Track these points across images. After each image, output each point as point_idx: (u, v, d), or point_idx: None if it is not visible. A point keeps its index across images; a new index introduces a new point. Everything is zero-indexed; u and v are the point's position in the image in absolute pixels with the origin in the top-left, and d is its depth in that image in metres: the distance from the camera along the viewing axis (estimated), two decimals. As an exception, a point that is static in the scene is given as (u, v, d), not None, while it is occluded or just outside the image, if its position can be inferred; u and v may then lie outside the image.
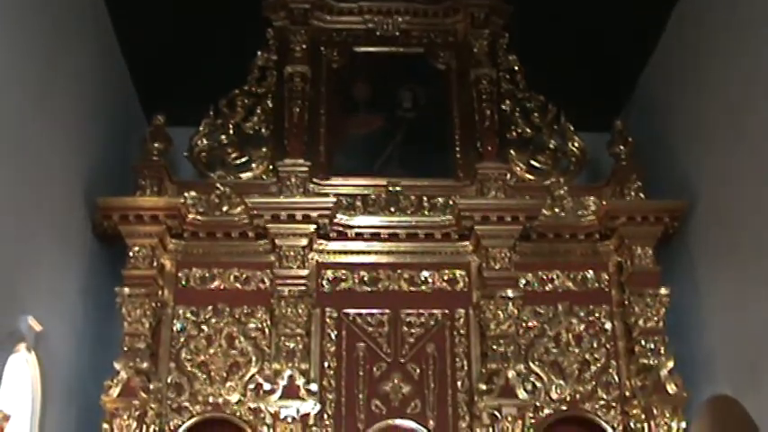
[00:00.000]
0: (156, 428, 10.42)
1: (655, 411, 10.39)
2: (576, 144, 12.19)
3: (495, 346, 10.86)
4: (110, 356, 10.47)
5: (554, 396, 10.93)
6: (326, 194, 11.55)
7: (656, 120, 12.67)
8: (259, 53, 12.54)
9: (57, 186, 10.18)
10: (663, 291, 10.99)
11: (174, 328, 11.06)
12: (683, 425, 10.39)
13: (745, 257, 10.08)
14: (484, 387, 10.57)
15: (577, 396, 10.97)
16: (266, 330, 11.07)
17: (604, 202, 11.42)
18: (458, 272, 11.54)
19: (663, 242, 11.52)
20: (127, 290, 10.74)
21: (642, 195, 11.55)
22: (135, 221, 11.01)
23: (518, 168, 12.03)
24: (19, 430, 8.91)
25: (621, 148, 11.85)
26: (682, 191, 11.63)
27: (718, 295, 10.86)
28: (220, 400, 10.76)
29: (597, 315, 11.32)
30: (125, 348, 10.55)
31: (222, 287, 11.29)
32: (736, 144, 10.41)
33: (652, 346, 10.80)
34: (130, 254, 11.00)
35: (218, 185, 11.49)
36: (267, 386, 10.55)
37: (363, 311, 11.32)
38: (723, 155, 10.75)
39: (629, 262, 11.25)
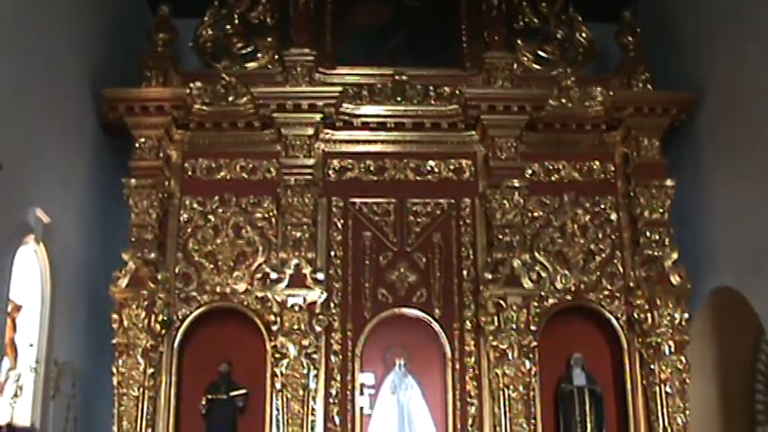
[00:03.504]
0: (165, 318, 10.55)
1: (658, 302, 10.54)
2: (584, 34, 12.09)
3: (500, 236, 10.95)
4: (118, 247, 10.60)
5: (559, 286, 11.05)
6: (332, 84, 11.49)
7: (664, 11, 12.50)
8: (264, -60, 12.32)
9: (61, 78, 10.14)
10: (668, 182, 11.04)
11: (181, 219, 11.14)
12: (686, 315, 10.54)
13: (751, 150, 10.06)
14: (489, 276, 10.68)
15: (582, 286, 11.10)
16: (273, 220, 11.17)
17: (611, 93, 11.38)
18: (464, 161, 11.57)
19: (669, 134, 11.50)
20: (133, 181, 10.81)
21: (650, 86, 11.50)
22: (141, 112, 10.99)
23: (525, 58, 11.95)
24: (30, 320, 9.05)
25: (629, 38, 11.76)
26: (689, 82, 11.54)
27: (724, 188, 10.87)
28: (228, 290, 10.91)
29: (603, 206, 11.40)
30: (133, 239, 10.67)
31: (228, 177, 11.35)
32: (746, 35, 10.29)
33: (657, 237, 10.89)
34: (137, 145, 11.02)
35: (224, 76, 11.45)
36: (274, 275, 10.67)
37: (369, 200, 11.39)
38: (732, 47, 10.65)
39: (635, 153, 11.24)
